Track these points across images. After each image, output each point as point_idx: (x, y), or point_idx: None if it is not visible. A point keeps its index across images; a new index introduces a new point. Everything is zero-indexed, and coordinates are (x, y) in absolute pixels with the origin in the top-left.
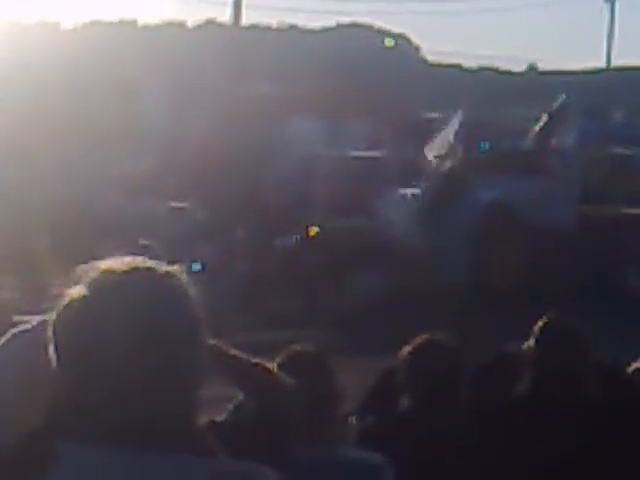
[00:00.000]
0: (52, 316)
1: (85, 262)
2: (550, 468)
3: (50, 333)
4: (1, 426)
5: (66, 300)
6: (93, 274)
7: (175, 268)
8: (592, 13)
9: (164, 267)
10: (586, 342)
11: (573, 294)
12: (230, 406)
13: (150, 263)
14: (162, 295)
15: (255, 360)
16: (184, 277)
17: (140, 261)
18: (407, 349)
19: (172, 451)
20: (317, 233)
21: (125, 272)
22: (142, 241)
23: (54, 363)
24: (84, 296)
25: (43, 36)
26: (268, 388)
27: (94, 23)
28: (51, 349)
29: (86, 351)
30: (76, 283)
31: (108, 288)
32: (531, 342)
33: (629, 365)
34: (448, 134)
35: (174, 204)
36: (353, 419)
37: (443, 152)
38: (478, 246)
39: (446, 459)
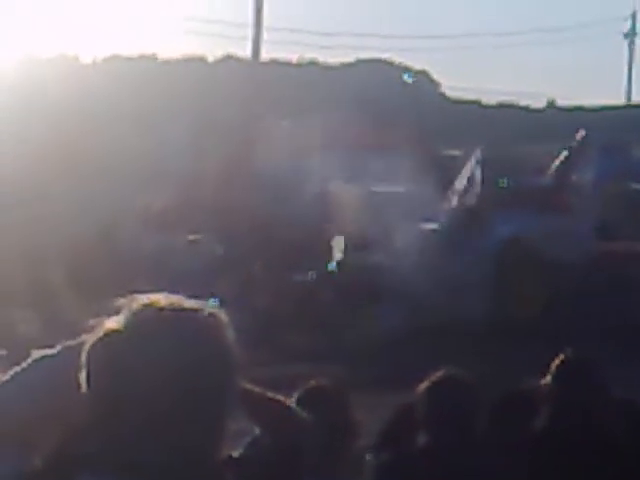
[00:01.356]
0: (87, 344)
1: (103, 295)
2: None
3: (83, 360)
4: (21, 452)
5: (103, 330)
6: (134, 307)
7: (216, 309)
8: (611, 49)
9: (205, 306)
10: (603, 379)
11: (591, 331)
12: (246, 441)
13: (192, 303)
14: (200, 334)
15: (271, 395)
16: (224, 317)
17: (181, 299)
18: (425, 385)
19: None
20: (335, 269)
21: (167, 309)
22: (191, 237)
23: (84, 391)
24: (124, 328)
25: (62, 70)
26: (284, 423)
27: (113, 57)
28: (83, 376)
29: (119, 381)
30: (114, 314)
31: (148, 322)
32: (549, 379)
33: None
34: (468, 171)
35: (191, 237)
36: (371, 454)
37: (462, 188)
38: (496, 282)
39: None
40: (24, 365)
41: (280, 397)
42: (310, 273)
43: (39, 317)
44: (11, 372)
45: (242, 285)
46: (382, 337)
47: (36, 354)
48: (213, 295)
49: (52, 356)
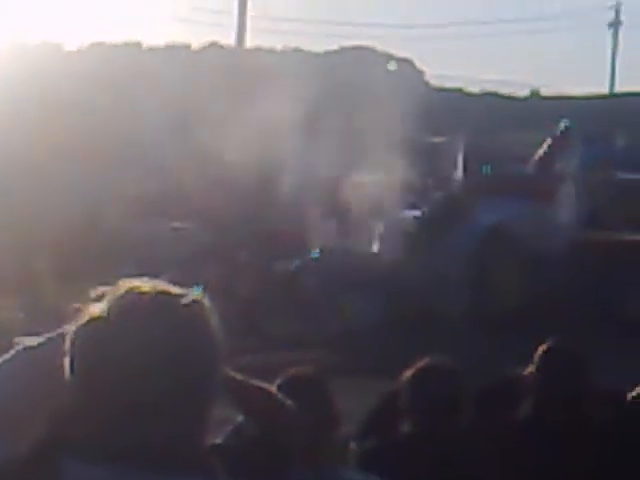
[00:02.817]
0: (71, 330)
1: (87, 283)
2: None
3: (68, 347)
4: (6, 440)
5: (87, 316)
6: (117, 293)
7: (200, 296)
8: (595, 39)
9: (189, 292)
10: (587, 367)
11: (574, 319)
12: (229, 428)
13: (175, 289)
14: (184, 320)
15: (256, 382)
16: (208, 304)
17: (165, 285)
18: (409, 373)
19: (180, 473)
20: (318, 256)
21: (149, 294)
22: (174, 224)
23: (68, 377)
24: (106, 314)
25: (47, 57)
26: (269, 411)
27: (98, 44)
28: (67, 363)
29: (103, 368)
30: (97, 301)
31: (131, 308)
32: (532, 367)
33: (630, 389)
34: (451, 158)
35: (176, 225)
36: (354, 442)
37: (445, 176)
38: (478, 270)
39: None
40: (8, 355)
41: (265, 385)
42: (293, 261)
43: (21, 304)
44: None
45: (226, 273)
46: (365, 324)
47: (20, 343)
48: (197, 283)
49: (37, 345)
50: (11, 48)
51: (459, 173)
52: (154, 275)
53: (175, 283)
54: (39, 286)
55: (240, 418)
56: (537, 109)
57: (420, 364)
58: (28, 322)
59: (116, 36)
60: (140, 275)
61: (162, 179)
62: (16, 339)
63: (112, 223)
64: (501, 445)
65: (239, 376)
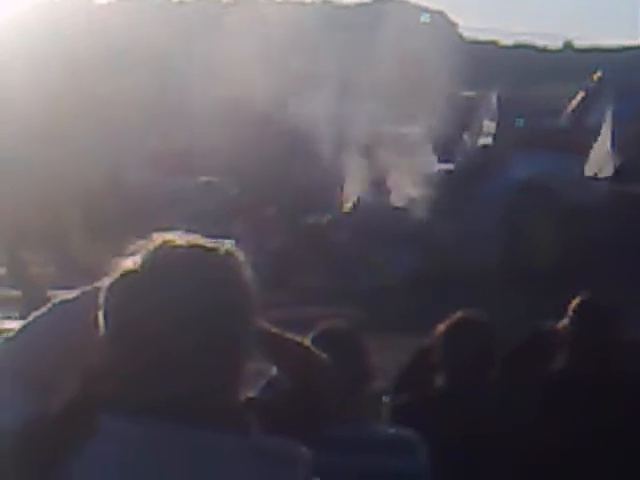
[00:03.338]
0: (105, 284)
1: (118, 238)
2: (584, 445)
3: (101, 301)
4: (39, 396)
5: (120, 271)
6: (150, 247)
7: (234, 247)
8: None
9: (223, 245)
10: (620, 320)
11: (608, 271)
12: (262, 382)
13: (208, 242)
14: (218, 273)
15: (291, 336)
16: (241, 257)
17: (199, 238)
18: (442, 327)
19: (214, 426)
20: (350, 210)
21: (183, 247)
22: (204, 178)
23: (102, 331)
24: (140, 268)
25: (76, 11)
26: (306, 365)
27: None
28: (101, 317)
29: (137, 321)
30: (131, 255)
31: (166, 261)
32: (565, 321)
33: None
34: (484, 112)
35: (205, 179)
36: (387, 397)
37: (479, 129)
38: (511, 224)
39: (482, 437)
40: (43, 310)
41: (300, 338)
42: (325, 215)
43: (53, 259)
44: (30, 317)
45: (256, 227)
46: (396, 279)
47: (55, 299)
48: (227, 236)
49: (71, 300)
50: (41, 2)
51: (493, 126)
52: (185, 229)
53: (206, 237)
54: (69, 241)
55: (274, 371)
56: (571, 61)
57: (453, 318)
58: (59, 276)
59: None
60: (172, 229)
61: (192, 134)
62: (48, 293)
63: (142, 178)
64: (535, 399)
65: (274, 329)
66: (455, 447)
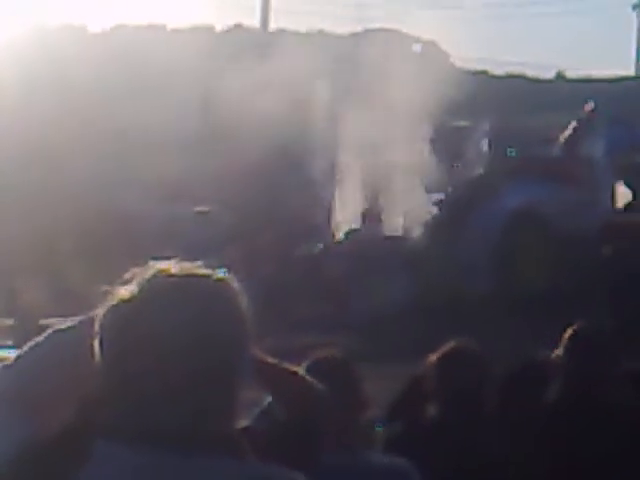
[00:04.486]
0: (100, 313)
1: (112, 266)
2: (577, 475)
3: (97, 329)
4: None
5: (116, 299)
6: (145, 275)
7: (228, 276)
8: (620, 21)
9: (217, 274)
10: (614, 350)
11: (601, 303)
12: (256, 411)
13: (205, 270)
14: (213, 301)
15: (288, 366)
16: (236, 285)
17: (193, 267)
18: (435, 356)
19: (209, 454)
20: (343, 239)
21: (177, 276)
22: (199, 208)
23: (98, 360)
24: (135, 296)
25: (69, 40)
26: (301, 394)
27: (122, 27)
28: (96, 345)
29: (132, 350)
30: (125, 284)
31: (161, 289)
32: (559, 351)
33: None
34: (476, 142)
35: (199, 208)
36: (381, 426)
37: (471, 159)
38: (504, 253)
39: (475, 467)
40: (40, 338)
41: (295, 368)
42: (318, 244)
43: (47, 287)
44: (27, 345)
45: (250, 255)
46: (389, 309)
47: (51, 327)
48: (221, 266)
49: (66, 328)
50: (34, 30)
51: (485, 156)
52: (180, 258)
53: (200, 266)
54: (63, 269)
55: (268, 400)
56: (563, 91)
57: (446, 348)
58: (52, 305)
59: (140, 18)
60: (166, 258)
61: (187, 162)
62: (41, 322)
63: (135, 207)
64: (528, 429)
65: (270, 358)
66: (448, 477)
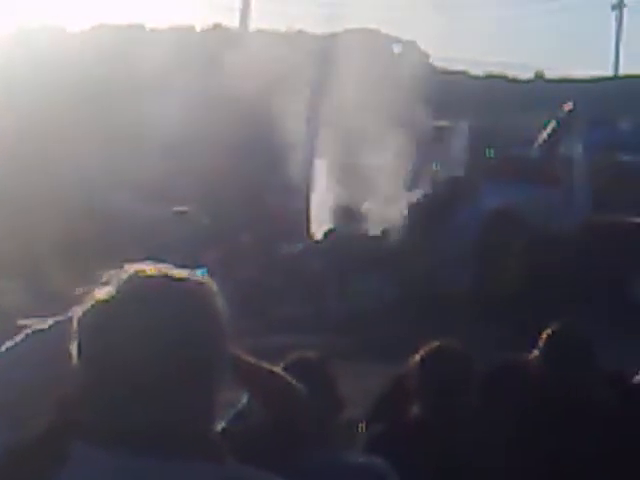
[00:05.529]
0: (78, 313)
1: (90, 267)
2: (558, 476)
3: (74, 331)
4: (11, 425)
5: (93, 300)
6: (122, 277)
7: (206, 277)
8: (600, 21)
9: (194, 275)
10: (592, 351)
11: (578, 302)
12: (232, 411)
13: (180, 272)
14: (190, 302)
15: (267, 366)
16: (213, 286)
17: (170, 268)
18: (418, 356)
19: (186, 456)
20: (322, 239)
21: (155, 277)
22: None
23: (75, 361)
24: (112, 297)
25: (48, 40)
26: (281, 394)
27: (101, 27)
28: (74, 346)
29: (109, 351)
30: (103, 285)
31: (138, 290)
32: (537, 351)
33: (635, 373)
34: (455, 141)
35: (178, 208)
36: (362, 425)
37: (450, 159)
38: (482, 253)
39: (456, 466)
40: (17, 339)
41: (275, 368)
42: (297, 244)
43: (25, 287)
44: (2, 346)
45: (229, 256)
46: (369, 307)
47: (26, 327)
48: (200, 266)
49: (44, 329)
50: (13, 31)
51: (463, 156)
52: (158, 259)
53: (178, 267)
54: (42, 270)
55: (243, 401)
56: (541, 92)
57: (429, 347)
58: (31, 306)
59: (119, 18)
60: (144, 259)
61: (166, 162)
62: (20, 322)
63: (114, 207)
64: (506, 430)
65: (249, 357)
66: (430, 477)
